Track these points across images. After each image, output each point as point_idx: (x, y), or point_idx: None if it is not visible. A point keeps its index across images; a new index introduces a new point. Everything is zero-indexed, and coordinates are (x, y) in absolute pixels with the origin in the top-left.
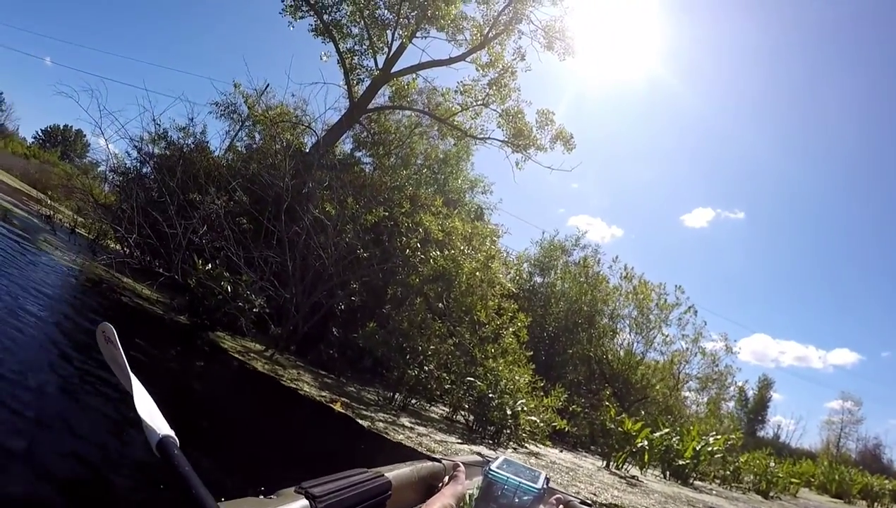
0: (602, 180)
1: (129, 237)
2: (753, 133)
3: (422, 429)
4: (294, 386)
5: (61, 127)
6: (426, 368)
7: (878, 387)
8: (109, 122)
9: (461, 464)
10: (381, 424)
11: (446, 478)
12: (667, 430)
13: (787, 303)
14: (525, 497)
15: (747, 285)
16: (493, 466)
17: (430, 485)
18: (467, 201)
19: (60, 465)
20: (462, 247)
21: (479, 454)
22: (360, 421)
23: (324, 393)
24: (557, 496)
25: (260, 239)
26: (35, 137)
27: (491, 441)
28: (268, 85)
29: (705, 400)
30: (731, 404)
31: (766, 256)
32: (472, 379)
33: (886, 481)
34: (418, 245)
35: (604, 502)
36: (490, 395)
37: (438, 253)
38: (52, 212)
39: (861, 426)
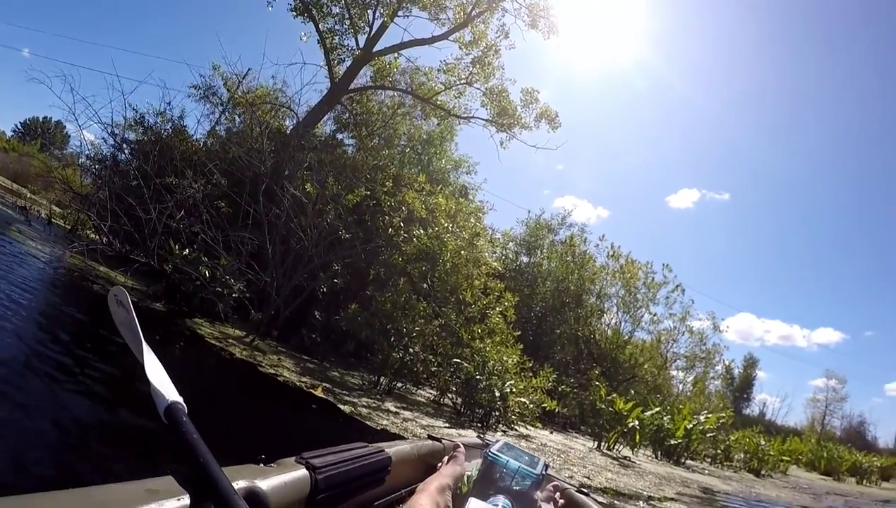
0: (588, 162)
1: (103, 224)
2: (739, 116)
3: (407, 414)
4: (273, 372)
5: (40, 119)
6: (411, 350)
7: (861, 366)
8: (83, 108)
9: (461, 445)
10: (364, 409)
11: (445, 458)
12: (657, 409)
13: (771, 283)
14: (524, 482)
15: (732, 265)
16: (493, 449)
17: (429, 464)
18: (452, 181)
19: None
20: (446, 225)
21: (478, 436)
22: (341, 407)
23: (304, 379)
24: (555, 483)
25: (238, 222)
26: (14, 130)
27: (479, 425)
28: (249, 69)
29: (691, 378)
30: (717, 382)
31: (751, 236)
32: (458, 360)
33: (875, 458)
34: (401, 224)
35: (598, 486)
36: (477, 377)
37: (422, 231)
38: (28, 204)
39: (845, 404)
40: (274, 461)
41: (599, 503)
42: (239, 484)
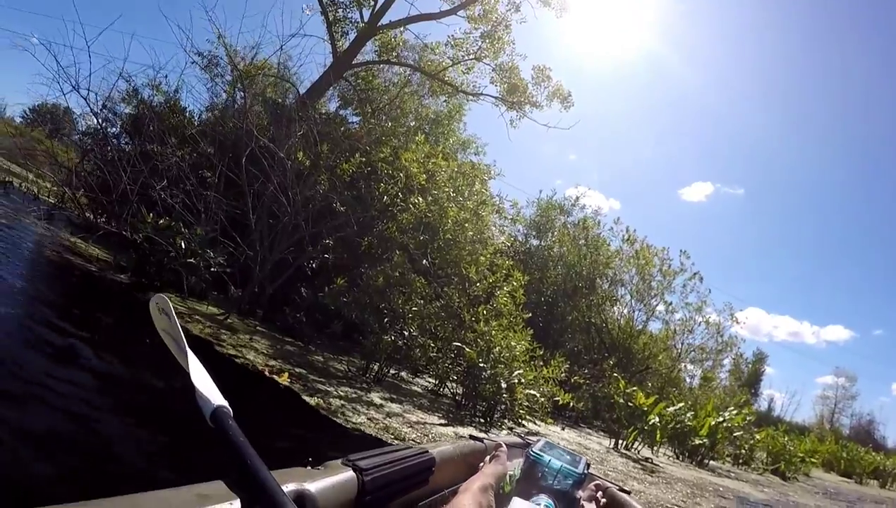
0: (600, 152)
1: (75, 193)
2: (756, 110)
3: (394, 407)
4: (234, 353)
5: (49, 104)
6: (406, 333)
7: (870, 365)
8: (69, 77)
9: (503, 445)
10: (336, 402)
11: (487, 458)
12: (681, 405)
13: (782, 279)
14: (566, 481)
15: (743, 259)
16: (535, 448)
17: (471, 464)
18: (460, 162)
19: None
20: (448, 191)
21: (519, 435)
22: (306, 398)
23: (273, 363)
24: (597, 482)
25: (220, 190)
26: (23, 116)
27: (482, 420)
28: (259, 43)
29: (700, 372)
30: (725, 377)
31: (763, 232)
32: (459, 344)
33: None
34: (399, 193)
35: None
36: (481, 365)
37: (421, 199)
38: (9, 178)
39: (855, 402)
40: (321, 463)
41: (641, 503)
42: (288, 487)
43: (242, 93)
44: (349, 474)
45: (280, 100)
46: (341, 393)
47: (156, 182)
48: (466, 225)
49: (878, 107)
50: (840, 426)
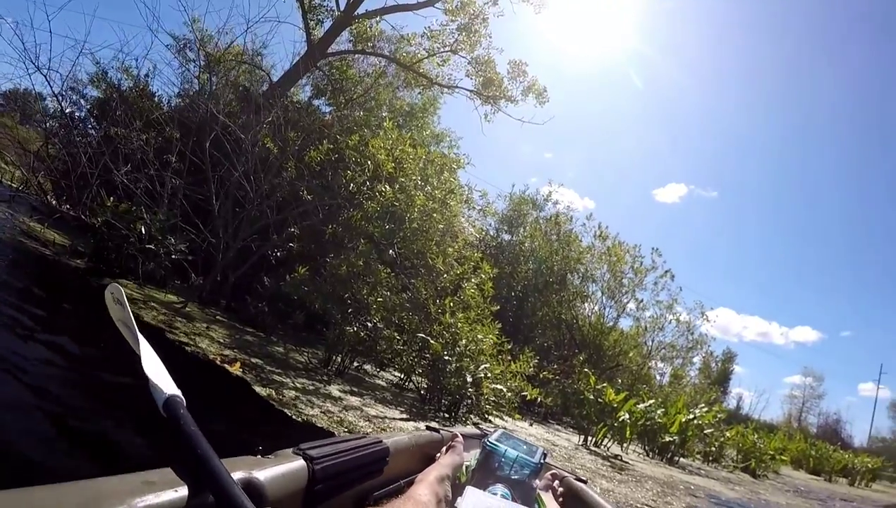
0: (576, 151)
1: (37, 176)
2: (735, 115)
3: (353, 400)
4: (186, 341)
5: (21, 90)
6: (369, 324)
7: (837, 365)
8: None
9: (459, 435)
10: (291, 394)
11: (444, 448)
12: (651, 402)
13: (752, 281)
14: (523, 471)
15: (714, 260)
16: (492, 438)
17: (427, 454)
18: (429, 151)
19: None
20: (415, 179)
21: (477, 426)
22: (257, 388)
23: (227, 352)
24: (553, 471)
25: (184, 176)
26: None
27: (446, 415)
28: (229, 26)
29: (670, 370)
30: (694, 374)
31: (735, 234)
32: (423, 335)
33: (868, 459)
34: (367, 182)
35: None
36: (446, 357)
37: (388, 187)
38: None
39: (822, 401)
40: (271, 452)
41: (597, 491)
42: (237, 475)
43: (212, 79)
44: (299, 463)
45: (251, 88)
46: (298, 385)
47: (119, 166)
48: (435, 215)
49: (854, 114)
50: (808, 424)
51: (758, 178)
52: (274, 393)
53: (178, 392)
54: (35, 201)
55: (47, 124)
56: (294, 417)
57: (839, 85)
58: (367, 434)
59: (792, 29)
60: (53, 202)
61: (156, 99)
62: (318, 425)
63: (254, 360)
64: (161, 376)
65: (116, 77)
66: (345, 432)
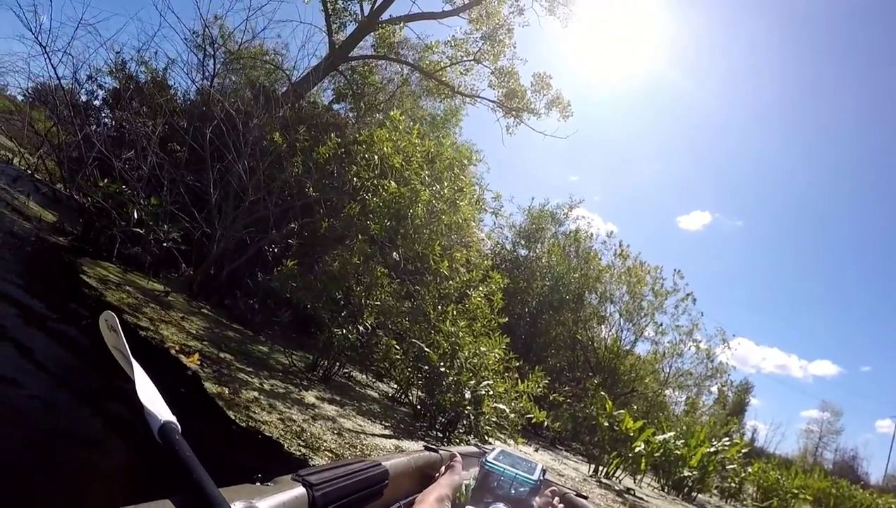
0: (602, 175)
1: (44, 159)
2: (764, 143)
3: (330, 409)
4: (147, 327)
5: (52, 86)
6: (361, 328)
7: (856, 400)
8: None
9: (458, 454)
10: (252, 394)
11: (443, 468)
12: (672, 433)
13: (773, 312)
14: (521, 489)
15: (735, 289)
16: (490, 457)
17: (426, 475)
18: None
19: None
20: (422, 174)
21: (476, 444)
22: (208, 385)
23: (191, 344)
24: (553, 488)
25: (184, 165)
26: (24, 96)
27: (441, 435)
28: (251, 25)
29: (684, 399)
30: (710, 403)
31: (758, 265)
32: (417, 341)
33: (893, 500)
34: (374, 178)
35: None
36: (443, 369)
37: (393, 183)
38: None
39: (839, 437)
40: (271, 479)
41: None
42: (237, 505)
43: (230, 76)
44: (299, 490)
45: (268, 85)
46: (265, 387)
47: (124, 151)
48: (443, 216)
49: (884, 151)
50: (823, 460)
51: (784, 209)
52: (227, 391)
53: (173, 418)
54: (41, 183)
55: (56, 109)
56: (238, 422)
57: (873, 119)
58: (367, 456)
59: (832, 58)
60: (59, 186)
61: (171, 91)
62: (267, 433)
63: (223, 356)
64: (156, 402)
65: (135, 67)
66: (302, 446)
